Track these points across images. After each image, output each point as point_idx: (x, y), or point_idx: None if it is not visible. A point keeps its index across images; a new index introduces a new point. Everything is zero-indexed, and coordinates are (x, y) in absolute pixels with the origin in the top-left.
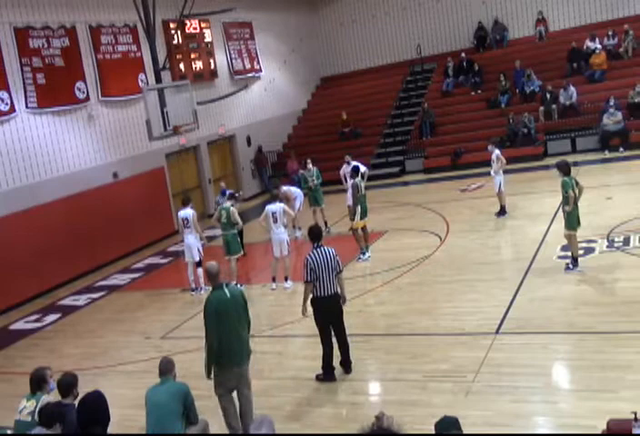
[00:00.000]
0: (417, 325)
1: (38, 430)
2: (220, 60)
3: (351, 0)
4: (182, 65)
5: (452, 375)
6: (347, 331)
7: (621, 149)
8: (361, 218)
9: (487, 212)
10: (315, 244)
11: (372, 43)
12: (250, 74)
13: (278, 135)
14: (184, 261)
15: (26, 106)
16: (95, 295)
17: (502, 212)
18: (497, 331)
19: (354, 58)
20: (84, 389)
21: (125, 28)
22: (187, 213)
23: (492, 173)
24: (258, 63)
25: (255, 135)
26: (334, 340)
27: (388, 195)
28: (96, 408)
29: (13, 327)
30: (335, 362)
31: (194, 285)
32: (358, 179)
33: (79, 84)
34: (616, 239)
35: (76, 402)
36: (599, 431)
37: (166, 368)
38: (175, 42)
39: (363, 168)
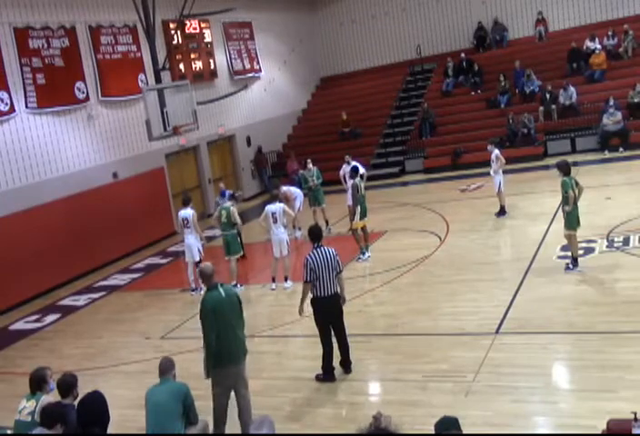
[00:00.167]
0: (417, 325)
1: (39, 430)
2: (220, 60)
3: (351, 0)
4: (182, 65)
5: (452, 375)
6: (347, 332)
7: (621, 149)
8: (361, 218)
9: (487, 212)
10: (315, 244)
11: (372, 43)
12: (250, 75)
13: (278, 135)
14: (184, 261)
15: (26, 106)
16: (94, 295)
17: (502, 212)
18: (497, 331)
19: (354, 58)
20: (83, 389)
21: (124, 28)
22: (187, 213)
23: (491, 172)
24: (258, 63)
25: (255, 135)
26: (333, 340)
27: (388, 195)
28: (96, 408)
29: (13, 327)
30: (335, 362)
31: (194, 285)
32: (358, 179)
33: (79, 85)
34: (616, 239)
35: (76, 403)
36: (599, 431)
37: (166, 368)
38: (175, 42)
39: (362, 169)
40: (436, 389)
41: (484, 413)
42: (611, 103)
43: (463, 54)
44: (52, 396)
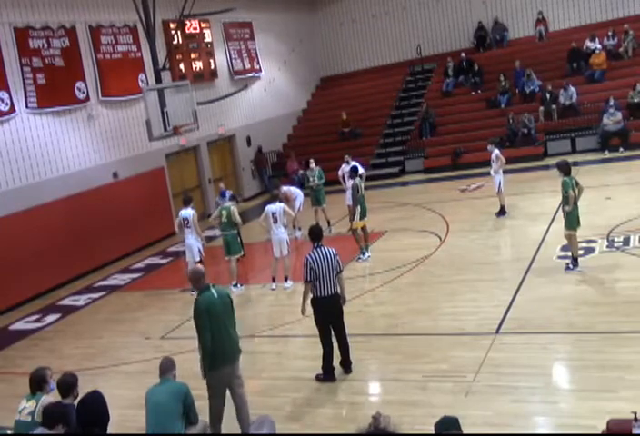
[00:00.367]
0: (417, 325)
1: (40, 430)
2: (220, 60)
3: (351, 0)
4: (182, 66)
5: (452, 375)
6: (347, 331)
7: (621, 149)
8: (360, 218)
9: (487, 212)
10: (316, 244)
11: (372, 43)
12: (250, 75)
13: (278, 135)
14: (184, 261)
15: (26, 106)
16: (94, 295)
17: (502, 212)
18: (497, 331)
19: (354, 58)
20: (83, 389)
21: (124, 28)
22: (188, 212)
23: (492, 172)
24: (258, 63)
25: (255, 135)
26: (333, 340)
27: (388, 195)
28: (96, 408)
29: (13, 327)
30: (335, 362)
31: None
32: (358, 179)
33: (79, 84)
34: (616, 239)
35: (76, 403)
36: (599, 431)
37: (167, 368)
38: (175, 42)
39: (361, 170)
40: (436, 389)
41: (484, 413)
42: (611, 103)
43: (463, 54)
44: (52, 396)
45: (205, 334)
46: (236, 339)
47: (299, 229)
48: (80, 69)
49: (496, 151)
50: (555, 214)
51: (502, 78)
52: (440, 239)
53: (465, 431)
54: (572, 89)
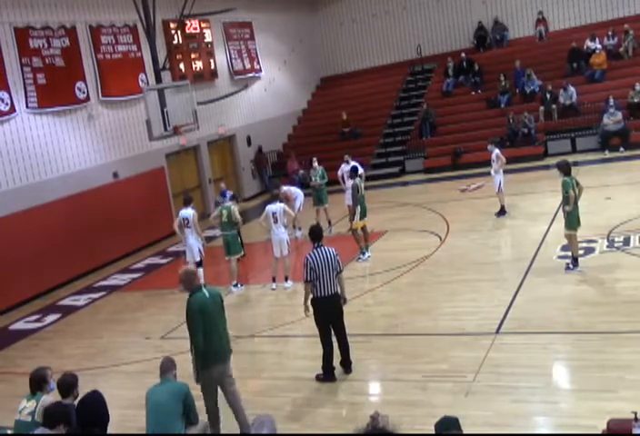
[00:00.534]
0: (417, 325)
1: (40, 430)
2: (220, 60)
3: (351, 0)
4: (182, 65)
5: (452, 375)
6: (347, 331)
7: (621, 149)
8: (360, 218)
9: (487, 212)
10: (316, 244)
11: (372, 43)
12: (250, 74)
13: (278, 135)
14: (185, 261)
15: (27, 106)
16: (94, 295)
17: (502, 211)
18: (497, 331)
19: (354, 58)
20: (84, 389)
21: (125, 28)
22: (188, 212)
23: (492, 172)
24: (258, 63)
25: (255, 135)
26: (334, 340)
27: (388, 195)
28: (96, 408)
29: (13, 327)
30: (335, 362)
31: None
32: (358, 179)
33: (79, 84)
34: (616, 239)
35: (76, 403)
36: (599, 431)
37: (167, 368)
38: (176, 42)
39: (360, 170)
40: (436, 389)
41: (484, 413)
42: (611, 102)
43: (463, 54)
44: (52, 396)
45: (198, 334)
46: (227, 338)
47: (299, 229)
48: (80, 69)
49: (497, 151)
50: (555, 214)
51: (502, 78)
52: (440, 239)
53: (465, 431)
54: (572, 89)
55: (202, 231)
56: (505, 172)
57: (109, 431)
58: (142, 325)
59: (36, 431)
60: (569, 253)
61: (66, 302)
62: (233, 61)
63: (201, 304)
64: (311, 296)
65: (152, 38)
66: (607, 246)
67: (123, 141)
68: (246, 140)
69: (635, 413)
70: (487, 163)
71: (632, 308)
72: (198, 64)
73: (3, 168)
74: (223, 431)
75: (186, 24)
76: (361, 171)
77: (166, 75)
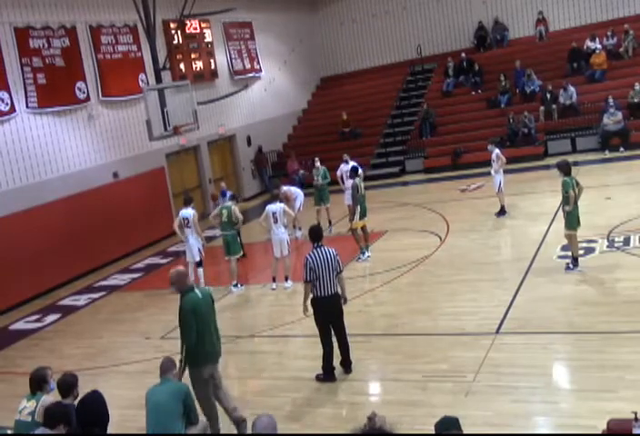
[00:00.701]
0: (417, 325)
1: (41, 430)
2: (220, 60)
3: (351, 0)
4: (182, 65)
5: (452, 375)
6: (347, 331)
7: (621, 149)
8: (360, 218)
9: (487, 212)
10: (316, 244)
11: (372, 42)
12: (250, 74)
13: (278, 135)
14: (185, 261)
15: (27, 106)
16: (94, 295)
17: (502, 211)
18: (497, 331)
19: (354, 58)
20: (84, 389)
21: (125, 28)
22: (188, 212)
23: (492, 172)
24: (258, 63)
25: (255, 135)
26: (334, 340)
27: (388, 195)
28: (96, 408)
29: (13, 327)
30: (335, 362)
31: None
32: (358, 179)
33: (79, 84)
34: (616, 239)
35: (76, 403)
36: (599, 431)
37: (167, 368)
38: (176, 42)
39: (359, 170)
40: (436, 389)
41: (484, 413)
42: (611, 102)
43: (463, 54)
44: (52, 396)
45: (192, 334)
46: (218, 336)
47: (299, 229)
48: (80, 69)
49: (497, 151)
50: (555, 214)
51: (502, 78)
52: (440, 239)
53: (465, 431)
54: (572, 89)
55: (202, 231)
56: (505, 172)
57: (109, 430)
58: (142, 325)
59: (36, 431)
60: (569, 253)
61: (66, 302)
62: (233, 61)
63: (194, 304)
64: (311, 296)
65: (152, 38)
66: (607, 246)
67: (123, 141)
68: (246, 140)
69: (635, 413)
70: (487, 163)
71: (632, 308)
72: (198, 64)
73: (3, 168)
74: (223, 432)
75: (186, 24)
76: (360, 171)
77: (166, 75)
